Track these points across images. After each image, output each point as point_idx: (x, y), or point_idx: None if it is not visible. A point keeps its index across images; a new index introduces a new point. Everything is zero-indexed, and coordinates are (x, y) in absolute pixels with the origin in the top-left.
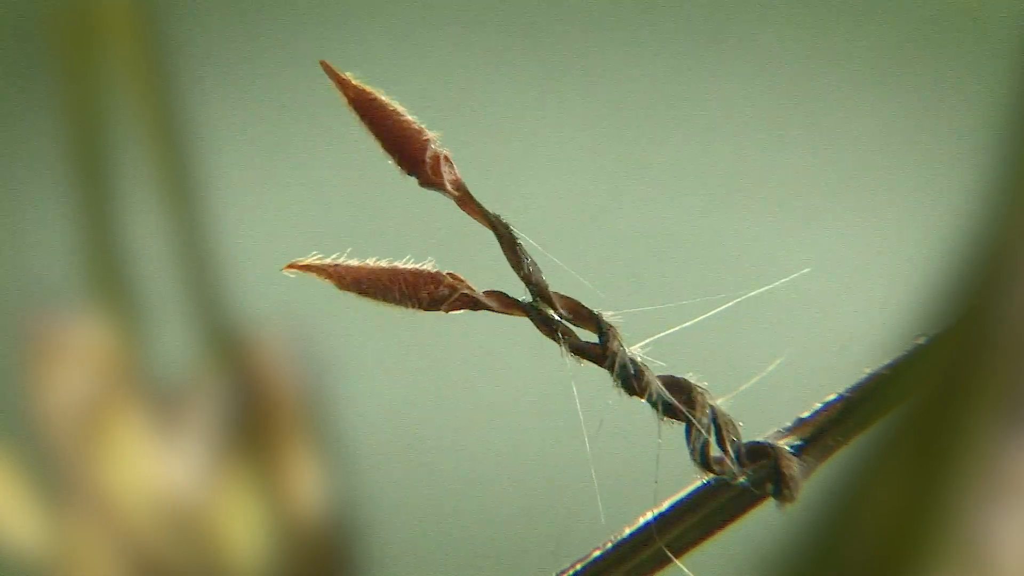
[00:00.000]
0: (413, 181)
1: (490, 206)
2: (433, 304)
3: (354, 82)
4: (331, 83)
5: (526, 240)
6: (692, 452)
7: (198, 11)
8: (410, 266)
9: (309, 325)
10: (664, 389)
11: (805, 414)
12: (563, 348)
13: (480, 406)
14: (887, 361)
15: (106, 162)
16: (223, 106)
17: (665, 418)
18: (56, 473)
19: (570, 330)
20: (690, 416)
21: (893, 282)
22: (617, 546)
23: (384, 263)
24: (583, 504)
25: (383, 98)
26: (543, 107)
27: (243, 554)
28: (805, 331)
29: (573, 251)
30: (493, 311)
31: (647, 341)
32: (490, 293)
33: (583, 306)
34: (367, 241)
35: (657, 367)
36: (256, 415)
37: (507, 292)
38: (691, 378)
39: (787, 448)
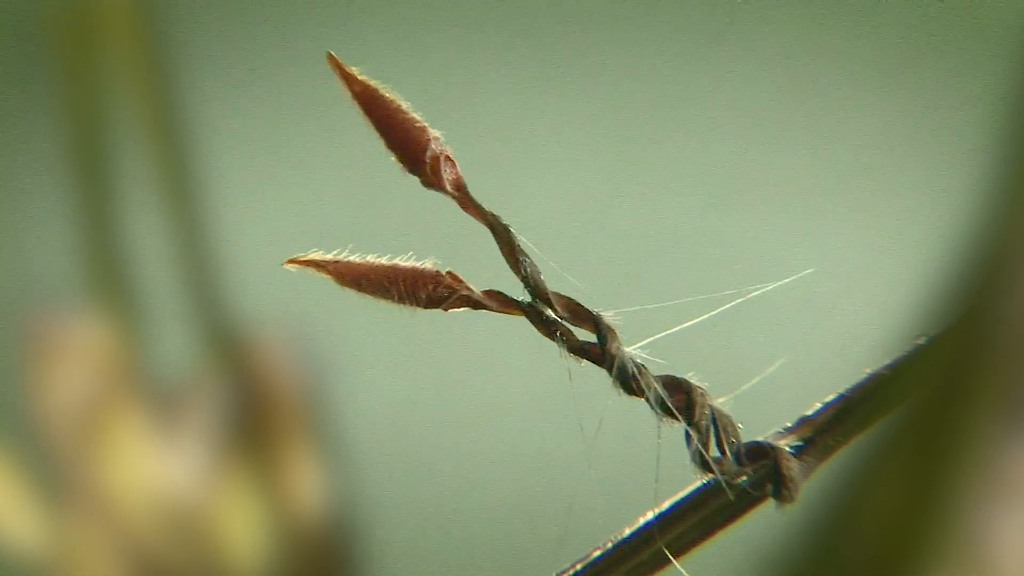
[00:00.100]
0: (414, 180)
1: (490, 206)
2: (432, 303)
3: (360, 77)
4: (336, 77)
5: (525, 240)
6: (691, 452)
7: (198, 11)
8: (410, 264)
9: (309, 325)
10: (663, 389)
11: (805, 414)
12: (562, 348)
13: (480, 406)
14: (887, 361)
15: (106, 162)
16: (223, 106)
17: (664, 418)
18: (56, 473)
19: (569, 330)
20: (689, 416)
21: (893, 282)
22: (617, 546)
23: (384, 260)
24: (583, 504)
25: (388, 94)
26: (543, 107)
27: (243, 554)
28: (805, 331)
29: (573, 251)
30: (492, 310)
31: (647, 341)
32: (488, 293)
33: (581, 306)
34: (367, 241)
35: (657, 367)
36: (256, 415)
37: (507, 292)
38: (691, 378)
39: (787, 448)
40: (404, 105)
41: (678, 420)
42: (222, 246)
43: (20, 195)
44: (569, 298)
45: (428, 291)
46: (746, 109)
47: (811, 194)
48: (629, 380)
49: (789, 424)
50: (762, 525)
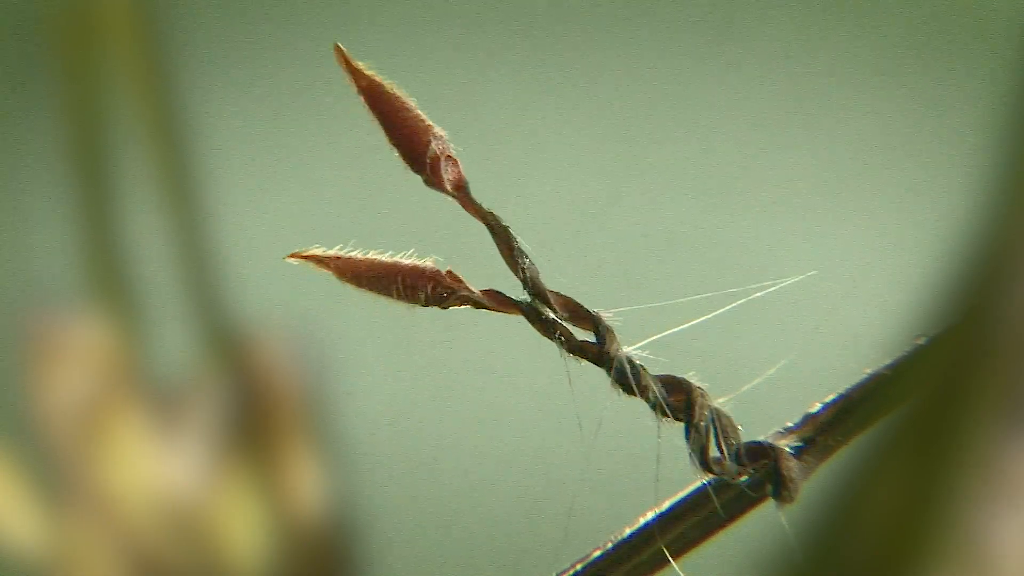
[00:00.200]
0: (414, 179)
1: (490, 206)
2: (431, 301)
3: (366, 71)
4: (343, 71)
5: (525, 240)
6: (691, 452)
7: (198, 11)
8: (410, 263)
9: (309, 324)
10: (662, 389)
11: (805, 414)
12: (560, 348)
13: (480, 406)
14: (887, 361)
15: (106, 162)
16: (223, 106)
17: (664, 418)
18: (56, 473)
19: (568, 330)
20: (689, 416)
21: (893, 282)
22: (617, 546)
23: (385, 257)
24: (583, 504)
25: (394, 91)
26: (543, 107)
27: (243, 554)
28: (806, 331)
29: (573, 251)
30: (491, 310)
31: (647, 341)
32: (487, 292)
33: (580, 305)
34: (368, 240)
35: (657, 367)
36: (256, 415)
37: (508, 291)
38: (691, 378)
39: (787, 448)
40: (409, 102)
41: (677, 420)
42: (222, 246)
43: (20, 195)
44: (568, 297)
45: (428, 290)
46: (746, 109)
47: (811, 194)
48: (628, 380)
49: (789, 424)
50: (762, 525)
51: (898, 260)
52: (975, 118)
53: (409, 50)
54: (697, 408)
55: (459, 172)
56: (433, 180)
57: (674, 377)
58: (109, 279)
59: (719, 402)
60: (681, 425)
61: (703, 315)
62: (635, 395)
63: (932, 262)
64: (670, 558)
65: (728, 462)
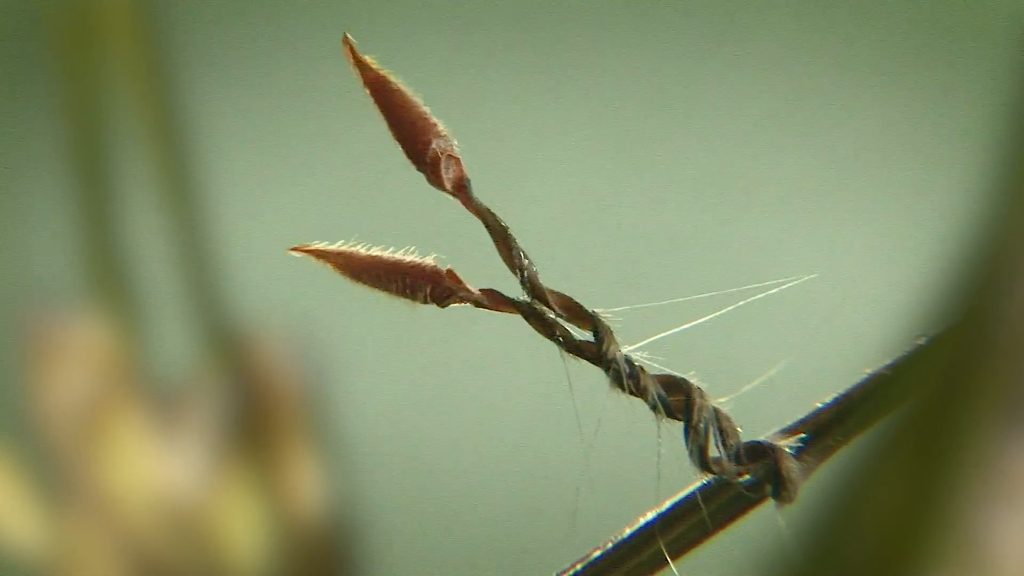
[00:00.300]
0: (414, 179)
1: (490, 205)
2: (431, 300)
3: (373, 65)
4: (350, 63)
5: (525, 240)
6: (690, 452)
7: (198, 11)
8: (412, 261)
9: (309, 324)
10: (661, 389)
11: (805, 414)
12: (559, 347)
13: (480, 406)
14: (887, 361)
15: (106, 162)
16: (223, 106)
17: (663, 418)
18: (56, 473)
19: (566, 329)
20: (688, 416)
21: (894, 282)
22: (617, 546)
23: (388, 254)
24: (583, 504)
25: (400, 86)
26: (543, 107)
27: (243, 554)
28: (807, 332)
29: (573, 251)
30: (490, 309)
31: (647, 341)
32: (486, 291)
33: (579, 305)
34: (368, 240)
35: (657, 367)
36: (256, 415)
37: (508, 291)
38: (691, 378)
39: (787, 448)
40: (415, 99)
41: (677, 420)
42: (222, 246)
43: (20, 195)
44: (566, 297)
45: (427, 290)
46: (747, 109)
47: (812, 194)
48: (626, 379)
49: (789, 424)
50: (762, 525)
51: (898, 260)
52: (975, 118)
53: (409, 50)
54: (696, 408)
55: (460, 171)
56: (433, 179)
57: (673, 377)
58: (109, 279)
59: (719, 402)
60: (681, 425)
61: (703, 315)
62: (634, 395)
63: (932, 262)
64: (668, 559)
65: (727, 462)
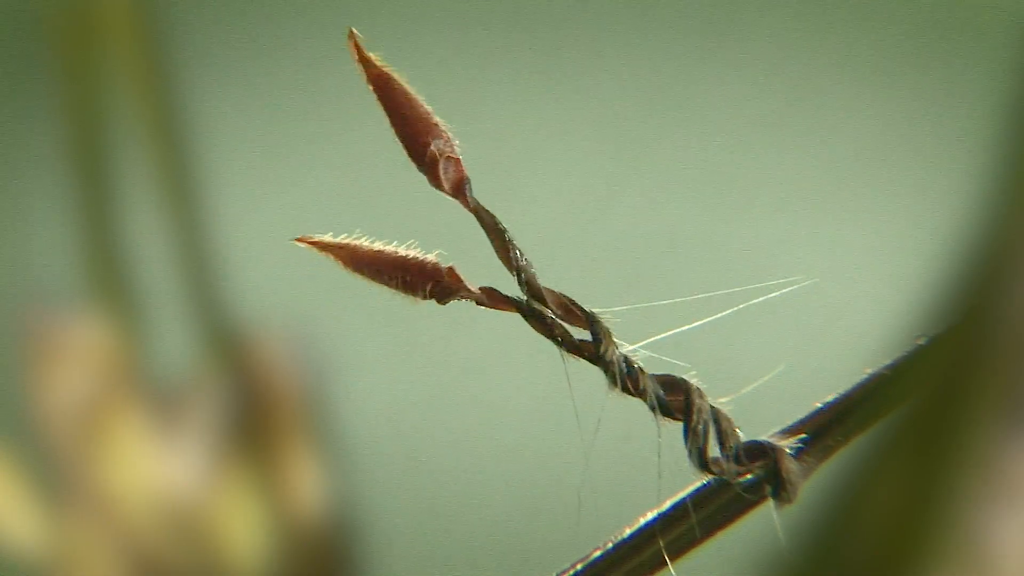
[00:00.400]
0: (414, 179)
1: (490, 205)
2: (431, 296)
3: (378, 62)
4: (355, 59)
5: (525, 240)
6: (689, 453)
7: (198, 11)
8: (413, 257)
9: (309, 325)
10: (659, 388)
11: (805, 414)
12: (557, 346)
13: (480, 406)
14: (887, 361)
15: (106, 162)
16: (223, 106)
17: (662, 418)
18: (56, 473)
19: (564, 329)
20: (687, 416)
21: (894, 282)
22: (617, 546)
23: (391, 248)
24: (583, 504)
25: (404, 85)
26: (543, 107)
27: (243, 554)
28: (806, 332)
29: (573, 251)
30: (488, 307)
31: (647, 341)
32: (485, 290)
33: (576, 304)
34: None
35: (657, 367)
36: (256, 415)
37: (508, 290)
38: (690, 378)
39: (787, 448)
40: (417, 98)
41: (676, 420)
42: (222, 246)
43: (20, 195)
44: (564, 296)
45: (427, 287)
46: (746, 110)
47: (811, 194)
48: (624, 379)
49: (789, 424)
50: (762, 525)
51: (898, 260)
52: (975, 118)
53: (409, 50)
54: (695, 408)
55: (460, 172)
56: (433, 179)
57: (672, 377)
58: (109, 279)
59: (719, 403)
60: (681, 425)
61: (703, 315)
62: (632, 394)
63: (932, 262)
64: (668, 559)
65: (727, 462)
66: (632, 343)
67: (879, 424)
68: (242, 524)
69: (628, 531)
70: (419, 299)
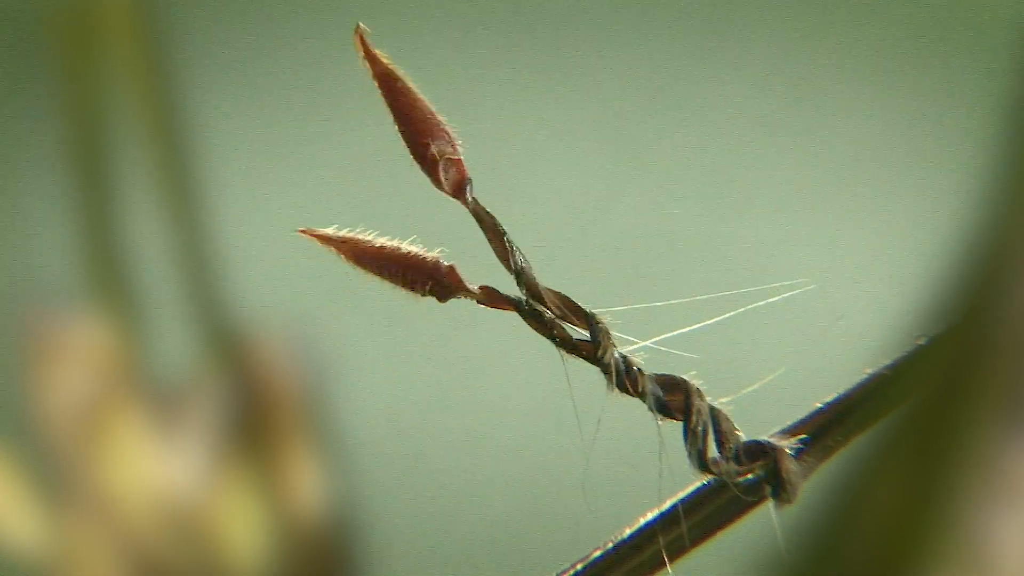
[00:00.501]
0: (415, 177)
1: (490, 205)
2: (431, 293)
3: (384, 60)
4: (361, 55)
5: (525, 240)
6: (689, 453)
7: (198, 11)
8: (414, 255)
9: (309, 325)
10: (658, 388)
11: (805, 414)
12: (556, 346)
13: (480, 406)
14: (887, 361)
15: (106, 162)
16: (223, 106)
17: (661, 418)
18: (56, 473)
19: (563, 328)
20: (687, 416)
21: (894, 282)
22: (617, 546)
23: (393, 244)
24: (583, 504)
25: (409, 84)
26: (543, 107)
27: (243, 554)
28: (806, 332)
29: (573, 251)
30: (487, 306)
31: (648, 342)
32: (483, 288)
33: (574, 303)
34: None
35: (657, 368)
36: (256, 415)
37: (509, 289)
38: (690, 379)
39: (787, 448)
40: (421, 98)
41: (675, 420)
42: (222, 246)
43: (20, 195)
44: (562, 295)
45: (427, 285)
46: (747, 110)
47: (811, 194)
48: (623, 379)
49: (789, 424)
50: (762, 525)
51: (898, 260)
52: (975, 118)
53: (409, 50)
54: (695, 408)
55: (462, 173)
56: (434, 179)
57: (671, 377)
58: (109, 279)
59: (720, 403)
60: (682, 425)
61: (703, 315)
62: (631, 394)
63: (932, 262)
64: (666, 560)
65: (726, 463)
66: (632, 343)
67: (879, 424)
68: (242, 524)
69: (628, 531)
70: (419, 296)
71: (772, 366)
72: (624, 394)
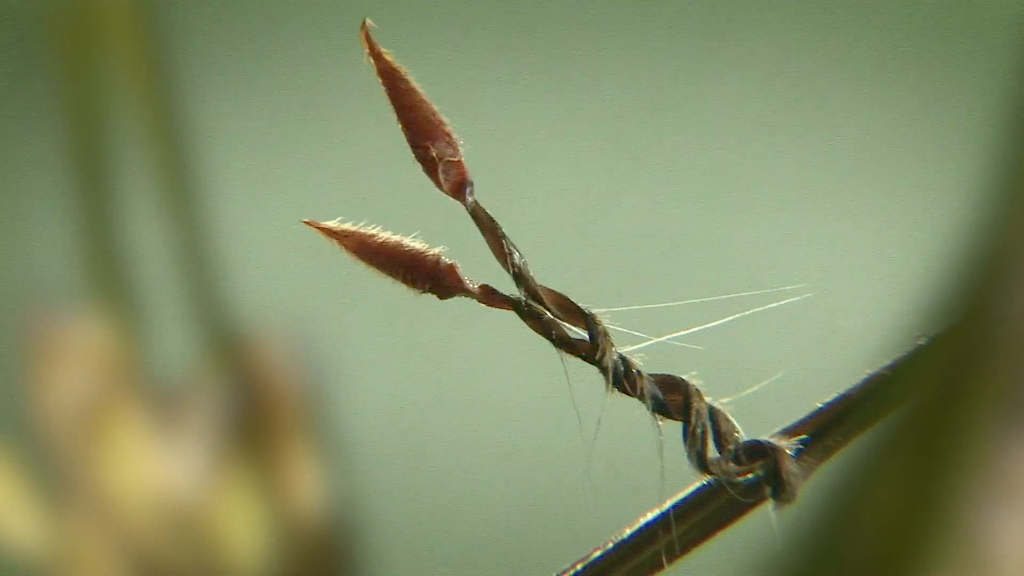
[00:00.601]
0: (415, 178)
1: (490, 205)
2: (431, 291)
3: (388, 57)
4: (367, 52)
5: (526, 240)
6: (688, 453)
7: (198, 11)
8: (416, 252)
9: (309, 325)
10: (657, 388)
11: (805, 414)
12: (554, 345)
13: (480, 406)
14: (887, 361)
15: (106, 162)
16: (223, 106)
17: (661, 418)
18: (56, 473)
19: (561, 327)
20: (686, 416)
21: (894, 282)
22: (617, 546)
23: (395, 240)
24: (583, 504)
25: (414, 86)
26: (543, 107)
27: (243, 554)
28: (806, 332)
29: (573, 251)
30: (485, 304)
31: (650, 343)
32: (482, 287)
33: (572, 303)
34: None
35: (658, 368)
36: (256, 415)
37: (507, 288)
38: (690, 379)
39: (787, 449)
40: (425, 98)
41: (675, 420)
42: (222, 246)
43: (20, 195)
44: (560, 295)
45: (427, 284)
46: (747, 110)
47: (812, 194)
48: (621, 378)
49: (789, 424)
50: (763, 525)
51: (899, 260)
52: (975, 118)
53: (409, 50)
54: (694, 408)
55: (462, 174)
56: (434, 180)
57: (671, 377)
58: (109, 279)
59: (721, 403)
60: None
61: (705, 316)
62: (629, 394)
63: (932, 263)
64: (668, 560)
65: (726, 463)
66: (633, 344)
67: (879, 424)
68: (242, 524)
69: (628, 531)
70: (419, 293)
71: (772, 366)
72: (622, 393)
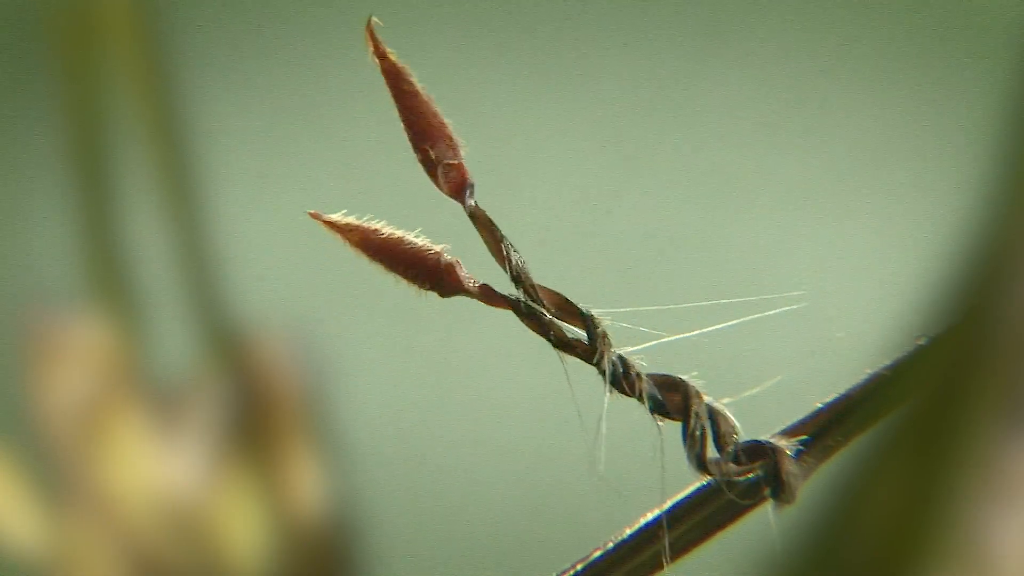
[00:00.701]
0: (415, 178)
1: (490, 206)
2: (433, 287)
3: (393, 56)
4: (371, 50)
5: (526, 240)
6: (688, 453)
7: (198, 11)
8: (417, 249)
9: (309, 325)
10: (655, 387)
11: (805, 414)
12: (552, 345)
13: (481, 405)
14: (887, 361)
15: (106, 162)
16: (223, 106)
17: (660, 418)
18: (56, 473)
19: (559, 327)
20: (685, 416)
21: (894, 283)
22: (617, 546)
23: (398, 236)
24: (583, 504)
25: (415, 85)
26: (543, 108)
27: (243, 554)
28: (806, 332)
29: (573, 251)
30: (485, 303)
31: (651, 344)
32: (481, 287)
33: (571, 303)
34: None
35: (658, 369)
36: (256, 415)
37: (507, 288)
38: (689, 379)
39: (787, 449)
40: (427, 99)
41: (674, 420)
42: (222, 246)
43: (20, 195)
44: (559, 295)
45: (428, 282)
46: (747, 110)
47: (812, 195)
48: (620, 379)
49: (789, 424)
50: (763, 525)
51: (899, 260)
52: (975, 118)
53: (409, 50)
54: (693, 408)
55: (463, 176)
56: (434, 181)
57: (671, 377)
58: (109, 279)
59: (721, 403)
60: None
61: (704, 316)
62: (628, 394)
63: (932, 262)
64: (669, 560)
65: (726, 463)
66: (633, 344)
67: (879, 424)
68: (242, 524)
69: (628, 531)
70: (420, 290)
71: (772, 366)
72: (621, 393)
